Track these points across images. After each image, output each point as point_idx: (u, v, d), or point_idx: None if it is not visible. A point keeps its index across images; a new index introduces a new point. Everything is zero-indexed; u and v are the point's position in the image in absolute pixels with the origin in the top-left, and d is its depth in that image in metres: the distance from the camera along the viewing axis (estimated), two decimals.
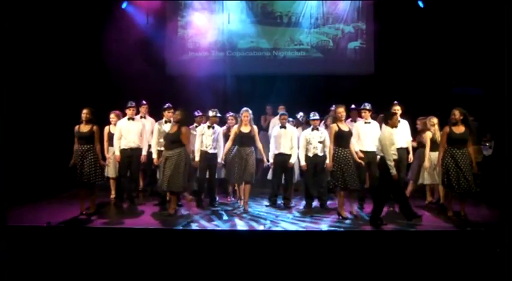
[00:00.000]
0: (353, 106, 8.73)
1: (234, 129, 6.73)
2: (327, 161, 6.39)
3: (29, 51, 8.50)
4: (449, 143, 6.05)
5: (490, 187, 7.94)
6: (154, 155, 6.88)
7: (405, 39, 9.91)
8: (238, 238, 5.58)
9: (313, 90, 10.06)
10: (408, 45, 9.96)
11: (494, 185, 7.71)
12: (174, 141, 6.13)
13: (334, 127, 6.11)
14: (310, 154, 6.78)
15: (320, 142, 6.80)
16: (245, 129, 6.69)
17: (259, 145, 6.81)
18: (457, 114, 6.07)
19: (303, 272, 4.82)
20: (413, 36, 9.97)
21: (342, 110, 6.16)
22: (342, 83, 9.74)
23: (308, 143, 6.80)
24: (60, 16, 9.09)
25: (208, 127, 7.00)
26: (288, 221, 6.14)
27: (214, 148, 6.97)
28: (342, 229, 5.73)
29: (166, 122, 6.99)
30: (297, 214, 6.58)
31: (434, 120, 6.91)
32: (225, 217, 6.38)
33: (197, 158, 6.85)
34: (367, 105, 7.00)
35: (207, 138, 6.94)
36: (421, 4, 10.31)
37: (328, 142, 6.56)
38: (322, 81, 10.22)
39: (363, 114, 7.02)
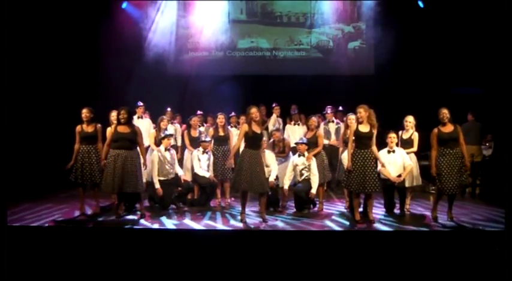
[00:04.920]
0: (340, 108, 8.79)
1: (244, 128, 5.93)
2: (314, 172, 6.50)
3: (29, 51, 8.51)
4: (440, 143, 5.92)
5: (490, 187, 7.98)
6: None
7: (405, 39, 9.91)
8: (236, 238, 5.57)
9: (313, 90, 10.06)
10: (408, 45, 9.96)
11: (494, 185, 7.75)
12: (134, 141, 6.03)
13: (353, 127, 5.95)
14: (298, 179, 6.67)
15: (304, 169, 6.59)
16: (257, 129, 5.93)
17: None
18: (446, 113, 5.92)
19: (301, 273, 4.82)
20: (413, 36, 9.98)
21: (360, 111, 5.87)
22: (342, 83, 9.74)
23: (294, 169, 6.64)
24: (60, 16, 9.09)
25: (203, 152, 7.02)
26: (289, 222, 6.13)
27: (207, 171, 7.02)
28: (340, 229, 5.71)
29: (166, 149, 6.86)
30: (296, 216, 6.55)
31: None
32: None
33: (185, 177, 6.94)
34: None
35: (202, 163, 6.99)
36: (421, 4, 10.32)
37: (314, 171, 6.52)
38: (322, 81, 10.21)
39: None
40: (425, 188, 7.98)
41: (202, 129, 7.83)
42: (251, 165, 5.83)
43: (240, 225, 5.82)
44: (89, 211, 6.50)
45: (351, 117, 6.53)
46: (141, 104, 8.11)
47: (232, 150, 6.27)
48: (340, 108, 8.81)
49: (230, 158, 6.21)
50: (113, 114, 6.63)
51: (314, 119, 7.01)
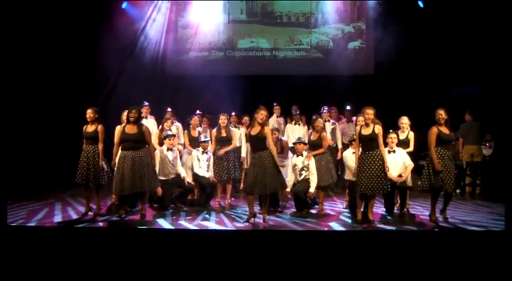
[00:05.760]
0: (348, 107, 8.81)
1: (246, 132, 6.03)
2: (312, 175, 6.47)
3: (29, 51, 8.52)
4: (438, 143, 5.90)
5: (490, 186, 7.98)
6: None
7: (405, 39, 9.91)
8: (236, 238, 5.57)
9: (313, 90, 10.06)
10: (408, 45, 9.96)
11: (494, 185, 7.76)
12: (141, 141, 6.06)
13: (357, 129, 5.94)
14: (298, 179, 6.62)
15: (303, 169, 6.55)
16: (254, 131, 5.91)
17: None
18: (443, 114, 5.89)
19: (301, 273, 4.82)
20: (413, 36, 9.98)
21: (368, 112, 5.82)
22: (342, 83, 9.73)
23: (294, 169, 6.61)
24: (61, 16, 9.10)
25: (202, 153, 7.06)
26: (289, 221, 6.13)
27: (207, 171, 7.04)
28: (340, 229, 5.71)
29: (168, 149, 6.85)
30: (295, 215, 6.54)
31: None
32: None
33: (189, 179, 6.90)
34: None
35: (201, 163, 7.03)
36: (421, 4, 10.32)
37: (313, 170, 6.49)
38: (322, 81, 10.22)
39: None
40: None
41: (200, 129, 7.85)
42: (254, 168, 5.85)
43: (240, 225, 5.82)
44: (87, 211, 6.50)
45: (361, 118, 6.37)
46: (147, 104, 8.10)
47: (246, 155, 6.33)
48: (348, 107, 8.82)
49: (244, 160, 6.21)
50: (125, 114, 6.67)
51: (320, 121, 6.93)
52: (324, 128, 7.03)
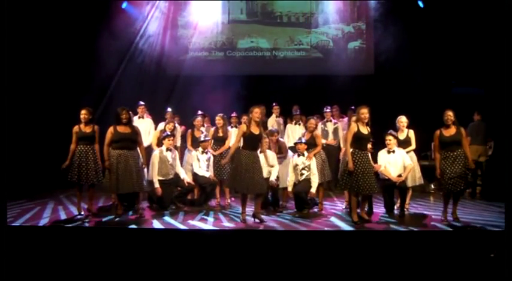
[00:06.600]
0: (353, 107, 8.80)
1: (242, 128, 5.92)
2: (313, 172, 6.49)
3: (28, 51, 8.51)
4: (442, 146, 5.93)
5: (490, 186, 7.99)
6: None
7: (405, 39, 9.90)
8: (236, 238, 5.56)
9: (313, 90, 10.06)
10: (408, 45, 9.95)
11: (494, 185, 7.76)
12: (134, 141, 6.10)
13: (354, 128, 5.87)
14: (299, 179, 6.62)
15: (304, 169, 6.57)
16: (255, 130, 5.93)
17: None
18: (451, 115, 5.91)
19: (301, 273, 4.82)
20: (413, 36, 9.97)
21: (365, 111, 5.81)
22: (342, 83, 9.72)
23: (295, 169, 6.61)
24: (60, 16, 9.09)
25: (202, 152, 7.07)
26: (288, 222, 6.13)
27: (207, 171, 7.05)
28: (340, 229, 5.71)
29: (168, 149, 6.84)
30: (296, 216, 6.54)
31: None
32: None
33: (189, 179, 6.89)
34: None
35: (201, 163, 7.04)
36: (421, 4, 10.31)
37: (314, 170, 6.53)
38: (322, 81, 10.21)
39: None
40: (425, 188, 7.96)
41: (203, 129, 7.86)
42: (247, 166, 5.81)
43: (240, 225, 5.82)
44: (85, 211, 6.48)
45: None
46: (142, 103, 8.10)
47: (231, 150, 6.10)
48: (353, 107, 8.81)
49: (226, 158, 6.25)
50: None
51: (313, 121, 6.99)
52: (316, 128, 7.09)
